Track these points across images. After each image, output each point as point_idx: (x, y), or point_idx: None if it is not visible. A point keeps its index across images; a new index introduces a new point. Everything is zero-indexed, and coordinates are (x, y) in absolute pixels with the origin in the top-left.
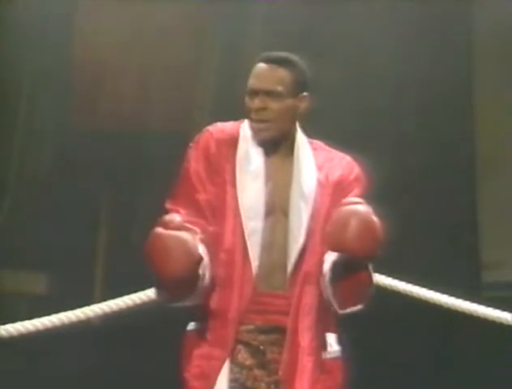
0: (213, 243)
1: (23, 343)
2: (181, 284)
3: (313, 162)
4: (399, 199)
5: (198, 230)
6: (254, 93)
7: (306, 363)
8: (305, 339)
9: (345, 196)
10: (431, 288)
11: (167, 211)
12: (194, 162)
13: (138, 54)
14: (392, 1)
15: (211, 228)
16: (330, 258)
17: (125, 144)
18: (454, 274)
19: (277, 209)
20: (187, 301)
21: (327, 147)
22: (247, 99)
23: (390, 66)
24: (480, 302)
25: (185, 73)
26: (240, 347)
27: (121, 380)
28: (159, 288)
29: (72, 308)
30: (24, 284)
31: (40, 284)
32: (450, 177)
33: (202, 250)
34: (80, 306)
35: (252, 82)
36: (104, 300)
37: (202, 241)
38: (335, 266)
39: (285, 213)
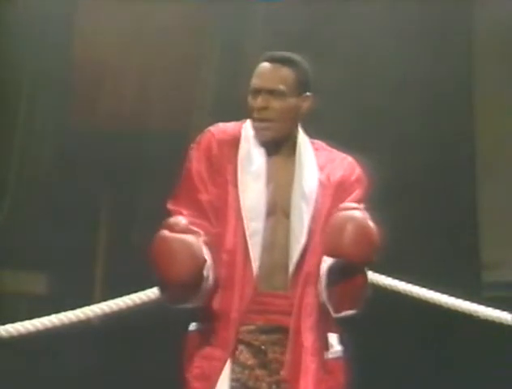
0: (215, 244)
1: (23, 343)
2: (186, 286)
3: (314, 162)
4: (399, 199)
5: (201, 232)
6: (257, 92)
7: (310, 363)
8: (308, 339)
9: (346, 197)
10: (431, 288)
11: (169, 212)
12: (196, 162)
13: (138, 54)
14: (392, 1)
15: (213, 230)
16: (328, 260)
17: (125, 144)
18: (454, 274)
19: (278, 209)
20: (191, 302)
21: (329, 148)
22: (250, 98)
23: (390, 66)
24: (479, 302)
25: (185, 73)
26: (241, 347)
27: (121, 380)
28: (162, 290)
29: (72, 308)
30: (24, 284)
31: (40, 284)
32: (450, 177)
33: (205, 251)
34: (80, 306)
35: (255, 81)
36: (104, 300)
37: (206, 242)
38: (331, 270)
39: (286, 214)
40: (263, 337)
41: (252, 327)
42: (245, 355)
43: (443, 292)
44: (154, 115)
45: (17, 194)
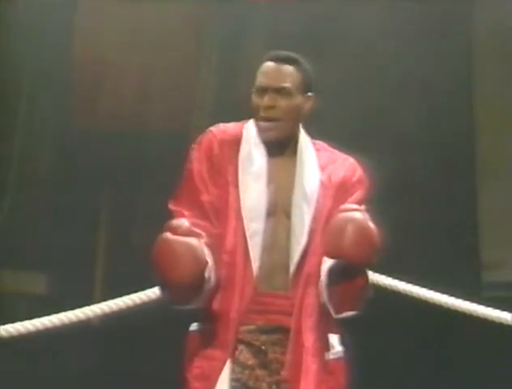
0: (216, 245)
1: (23, 343)
2: (188, 288)
3: (316, 163)
4: (399, 199)
5: (203, 234)
6: (263, 91)
7: (310, 364)
8: (309, 339)
9: (348, 197)
10: (431, 288)
11: (170, 212)
12: (197, 163)
13: (138, 54)
14: (392, 1)
15: (214, 231)
16: (328, 261)
17: (125, 144)
18: (454, 274)
19: (279, 210)
20: (192, 304)
21: (330, 148)
22: (254, 97)
23: (390, 65)
24: (479, 302)
25: (185, 73)
26: (242, 347)
27: (121, 380)
28: (164, 291)
29: (72, 308)
30: (24, 284)
31: (40, 284)
32: (450, 177)
33: (207, 253)
34: (80, 306)
35: (261, 79)
36: (104, 300)
37: (207, 244)
38: (332, 271)
39: (287, 214)
40: (264, 337)
41: (252, 327)
42: (245, 355)
43: (443, 292)
44: (154, 115)
45: (17, 194)
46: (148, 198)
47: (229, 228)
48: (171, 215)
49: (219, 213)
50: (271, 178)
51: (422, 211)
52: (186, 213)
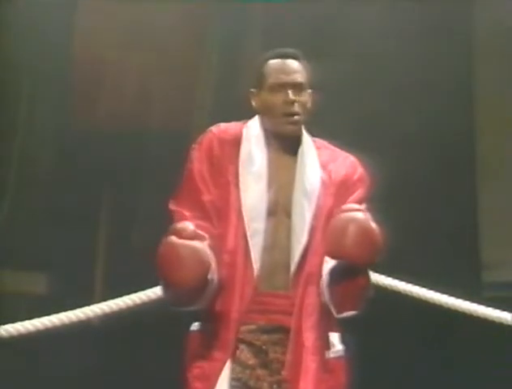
0: (218, 246)
1: (23, 343)
2: (192, 291)
3: (316, 161)
4: (399, 199)
5: (206, 235)
6: (281, 87)
7: (310, 363)
8: (309, 339)
9: (348, 196)
10: (431, 288)
11: (171, 213)
12: (198, 163)
13: (138, 54)
14: (392, 1)
15: (215, 231)
16: (330, 261)
17: (125, 144)
18: (454, 274)
19: (280, 209)
20: (195, 305)
21: (331, 146)
22: (269, 95)
23: (390, 66)
24: (479, 302)
25: (185, 73)
26: (242, 347)
27: (121, 380)
28: (168, 293)
29: (72, 308)
30: (24, 284)
31: (40, 284)
32: (450, 177)
33: (210, 255)
34: (80, 306)
35: (278, 76)
36: (104, 300)
37: (209, 246)
38: (333, 271)
39: (288, 213)
40: (264, 337)
41: (253, 327)
42: (246, 354)
43: (443, 292)
44: (154, 115)
45: (17, 194)
46: (148, 198)
47: (230, 228)
48: (171, 215)
49: (220, 213)
50: (272, 178)
51: (422, 211)
52: (187, 213)
